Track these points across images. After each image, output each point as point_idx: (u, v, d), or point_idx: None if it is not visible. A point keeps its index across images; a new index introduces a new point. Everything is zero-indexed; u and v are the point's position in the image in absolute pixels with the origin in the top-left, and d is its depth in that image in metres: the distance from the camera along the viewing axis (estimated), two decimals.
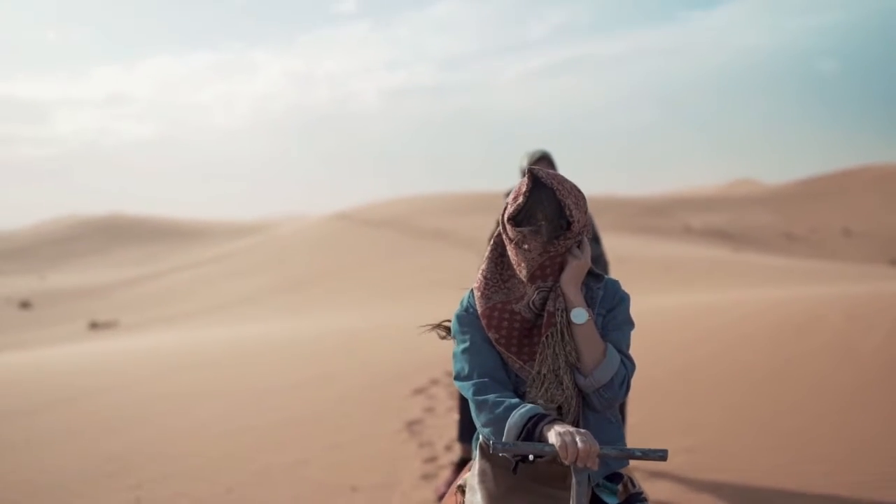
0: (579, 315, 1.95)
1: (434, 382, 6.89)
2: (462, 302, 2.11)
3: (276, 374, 8.38)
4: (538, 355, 1.96)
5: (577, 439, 1.77)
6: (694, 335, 7.87)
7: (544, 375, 1.95)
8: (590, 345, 1.94)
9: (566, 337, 1.95)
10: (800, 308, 8.59)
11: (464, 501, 2.00)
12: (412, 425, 5.83)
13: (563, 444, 1.76)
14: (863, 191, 50.40)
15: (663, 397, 5.79)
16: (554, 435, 1.80)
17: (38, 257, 50.10)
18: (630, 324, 2.04)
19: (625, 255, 17.72)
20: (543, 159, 4.37)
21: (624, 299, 2.05)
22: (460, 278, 4.22)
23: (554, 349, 1.95)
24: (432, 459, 5.04)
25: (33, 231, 63.50)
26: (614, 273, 3.87)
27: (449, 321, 2.18)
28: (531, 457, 1.85)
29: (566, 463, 1.77)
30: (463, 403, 4.46)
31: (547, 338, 1.96)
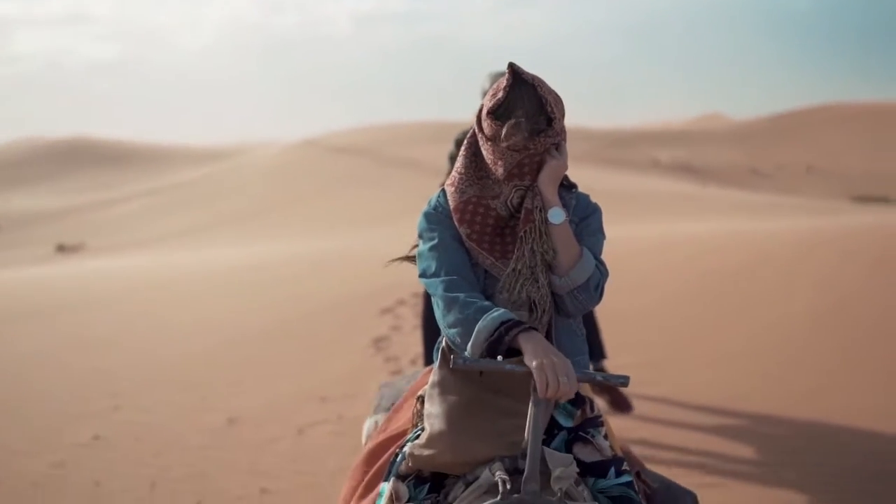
0: (557, 214, 1.91)
1: (401, 303, 7.16)
2: (430, 201, 2.04)
3: (245, 295, 8.61)
4: (515, 252, 1.91)
5: (557, 370, 1.69)
6: (650, 266, 8.21)
7: (519, 272, 1.90)
8: (566, 245, 1.91)
9: (544, 235, 1.90)
10: (757, 239, 8.95)
11: (421, 410, 1.96)
12: (379, 342, 6.12)
13: (542, 371, 1.69)
14: (828, 129, 50.93)
15: (616, 318, 6.13)
16: (531, 354, 1.72)
17: (1, 179, 49.25)
18: (602, 233, 2.01)
19: (589, 187, 18.03)
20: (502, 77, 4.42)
21: (597, 210, 2.03)
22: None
23: (532, 246, 1.90)
24: (397, 372, 5.33)
25: None
26: None
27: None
28: (499, 357, 1.79)
29: (538, 390, 1.69)
30: (427, 329, 4.35)
31: (525, 234, 1.91)
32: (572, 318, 1.99)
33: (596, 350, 4.28)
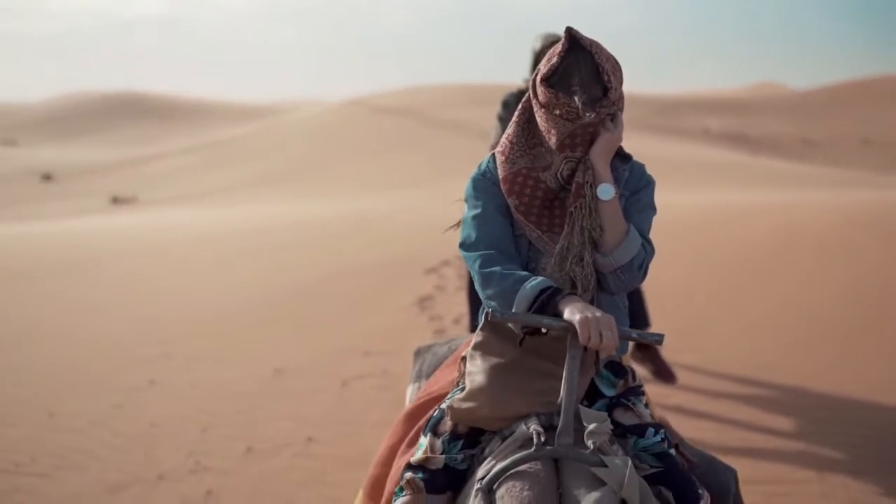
0: (606, 191, 1.85)
1: (445, 263, 7.28)
2: (480, 165, 2.01)
3: (289, 252, 8.80)
4: (565, 228, 1.88)
5: (601, 324, 1.70)
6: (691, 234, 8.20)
7: (567, 249, 1.87)
8: (613, 223, 1.86)
9: (593, 212, 1.86)
10: (794, 209, 8.86)
11: (464, 370, 1.97)
12: (423, 301, 6.25)
13: (584, 324, 1.70)
14: (887, 101, 49.52)
15: (648, 285, 6.17)
16: (572, 311, 1.73)
17: (57, 132, 50.31)
18: (653, 209, 1.97)
19: (637, 153, 17.88)
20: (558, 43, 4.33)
21: (650, 183, 1.97)
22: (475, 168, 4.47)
23: (581, 223, 1.86)
24: (441, 331, 5.47)
25: (49, 105, 63.43)
26: None
27: None
28: (543, 329, 1.81)
29: (580, 343, 1.71)
30: (472, 293, 4.41)
31: (574, 210, 1.87)
32: (615, 295, 1.96)
33: (641, 319, 4.32)
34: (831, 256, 6.79)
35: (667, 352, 4.56)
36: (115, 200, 21.81)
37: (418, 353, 2.54)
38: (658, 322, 5.14)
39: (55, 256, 8.99)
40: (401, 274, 7.13)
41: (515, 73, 4.42)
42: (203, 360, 5.12)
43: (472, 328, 4.30)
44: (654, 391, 4.16)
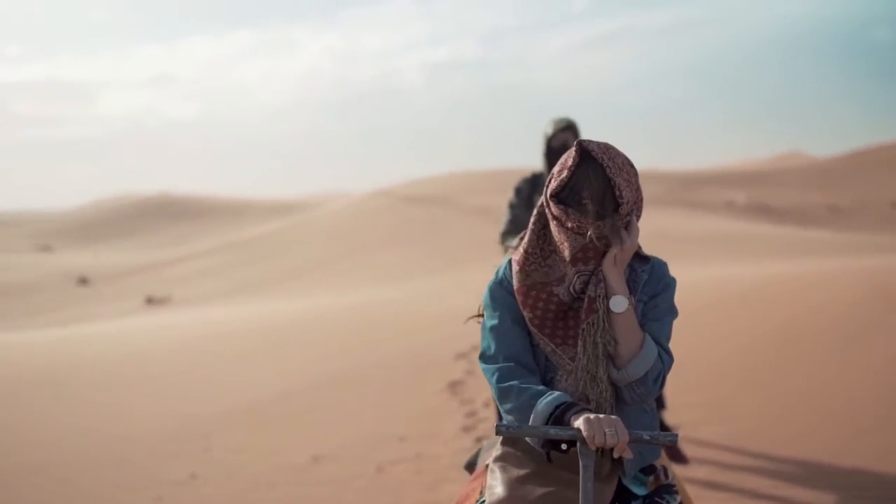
0: (619, 303, 1.83)
1: (475, 348, 7.38)
2: (497, 272, 1.99)
3: (324, 342, 8.96)
4: (579, 345, 1.86)
5: (603, 423, 1.70)
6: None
7: (581, 369, 1.86)
8: (627, 335, 1.83)
9: (606, 325, 1.83)
10: (819, 282, 8.88)
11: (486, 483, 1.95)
12: (454, 385, 6.34)
13: (588, 424, 1.69)
14: None
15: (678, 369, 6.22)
16: (581, 421, 1.71)
17: (90, 236, 51.65)
18: (673, 313, 1.92)
19: (660, 229, 18.01)
20: (569, 129, 4.23)
21: (669, 285, 1.92)
22: (501, 252, 4.63)
23: (594, 337, 1.84)
24: (472, 414, 5.55)
25: (84, 211, 65.31)
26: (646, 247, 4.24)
27: None
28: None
29: (591, 448, 1.69)
30: None
31: (587, 326, 1.85)
32: (631, 406, 1.92)
33: (657, 401, 4.33)
34: (858, 327, 6.80)
35: (696, 423, 4.59)
36: (150, 301, 22.26)
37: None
38: (688, 394, 5.20)
39: (93, 358, 9.23)
40: (431, 359, 7.25)
41: (538, 156, 4.57)
42: (241, 452, 5.24)
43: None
44: (685, 468, 4.20)
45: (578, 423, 1.71)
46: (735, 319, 7.60)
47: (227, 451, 5.29)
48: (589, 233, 1.81)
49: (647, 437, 1.75)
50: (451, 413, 5.63)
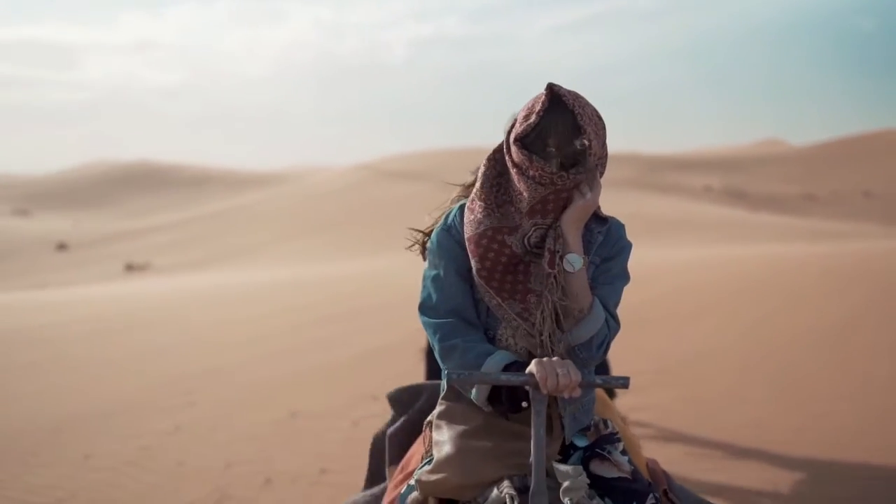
0: (574, 262, 1.71)
1: None
2: (447, 218, 1.88)
3: (303, 309, 9.23)
4: (535, 297, 1.76)
5: (556, 365, 1.61)
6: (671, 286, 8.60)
7: (538, 322, 1.75)
8: (577, 297, 1.73)
9: (560, 283, 1.72)
10: (786, 263, 9.26)
11: (432, 438, 1.88)
12: (426, 350, 6.63)
13: (540, 366, 1.61)
14: (888, 154, 50.11)
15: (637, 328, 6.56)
16: (533, 364, 1.64)
17: (70, 202, 51.38)
18: (625, 278, 1.82)
19: (633, 211, 18.36)
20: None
21: (624, 249, 1.81)
22: None
23: (548, 294, 1.73)
24: None
25: (63, 176, 64.79)
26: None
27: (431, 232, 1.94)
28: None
29: (544, 392, 1.61)
30: (430, 358, 4.35)
31: (549, 279, 1.73)
32: None
33: (601, 371, 4.27)
34: (806, 303, 7.16)
35: (651, 388, 4.90)
36: (130, 268, 22.38)
37: None
38: (644, 363, 5.52)
39: (81, 320, 9.45)
40: (406, 327, 7.54)
41: None
42: (224, 407, 5.51)
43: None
44: (695, 446, 4.53)
45: (530, 367, 1.64)
46: (695, 293, 7.95)
47: (210, 405, 5.56)
48: (554, 176, 1.67)
49: (599, 381, 1.70)
50: (422, 375, 5.92)
